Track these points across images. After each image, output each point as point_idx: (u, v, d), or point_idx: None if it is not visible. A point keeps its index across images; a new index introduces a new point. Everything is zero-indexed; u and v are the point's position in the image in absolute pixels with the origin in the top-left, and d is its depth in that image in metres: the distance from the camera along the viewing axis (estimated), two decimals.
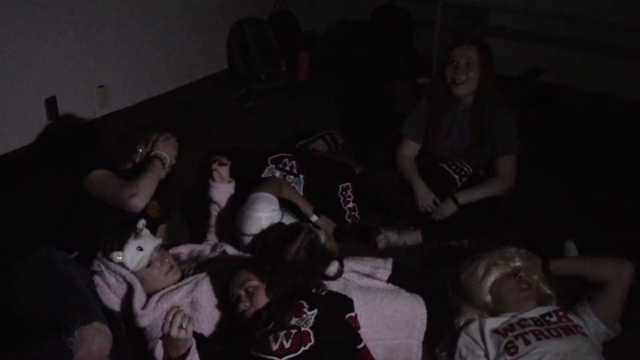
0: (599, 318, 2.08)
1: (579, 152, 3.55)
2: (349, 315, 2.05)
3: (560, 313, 2.11)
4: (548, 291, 2.21)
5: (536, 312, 2.11)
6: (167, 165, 2.53)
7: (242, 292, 2.08)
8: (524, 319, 2.09)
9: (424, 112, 2.88)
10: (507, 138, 2.77)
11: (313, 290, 2.07)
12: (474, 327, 2.15)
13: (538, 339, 1.99)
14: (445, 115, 2.84)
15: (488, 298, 2.18)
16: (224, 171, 2.66)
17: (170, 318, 1.75)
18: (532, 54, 4.50)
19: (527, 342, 1.99)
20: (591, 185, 3.23)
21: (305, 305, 1.96)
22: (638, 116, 3.84)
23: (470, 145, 2.83)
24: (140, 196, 2.34)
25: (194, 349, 1.83)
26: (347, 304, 2.07)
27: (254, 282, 2.08)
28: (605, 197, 3.13)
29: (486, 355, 2.06)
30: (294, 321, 1.89)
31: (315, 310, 1.93)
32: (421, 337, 2.18)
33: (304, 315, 1.91)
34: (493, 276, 2.18)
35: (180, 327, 1.75)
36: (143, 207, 2.37)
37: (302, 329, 1.86)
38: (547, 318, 2.09)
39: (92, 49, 3.74)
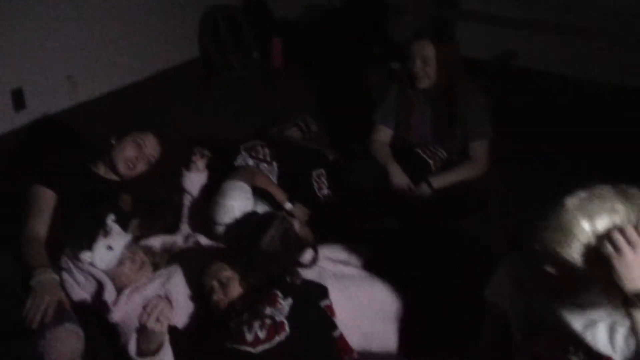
0: None
1: (554, 134, 3.55)
2: (324, 303, 2.03)
3: None
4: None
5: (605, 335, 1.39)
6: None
7: (215, 283, 2.04)
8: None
9: (395, 98, 2.88)
10: (478, 124, 2.77)
11: (287, 280, 2.05)
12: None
13: None
14: (416, 103, 2.84)
15: None
16: (202, 163, 2.62)
17: (149, 309, 1.73)
18: (505, 38, 4.50)
19: None
20: (567, 167, 3.24)
21: (280, 294, 1.94)
22: (611, 98, 3.86)
23: (441, 132, 2.83)
24: None
25: (167, 346, 1.80)
26: (322, 292, 2.06)
27: (228, 273, 2.05)
28: (584, 179, 3.13)
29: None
30: (268, 311, 1.87)
31: (290, 300, 1.92)
32: (397, 323, 2.17)
33: (279, 305, 1.90)
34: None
35: (157, 319, 1.72)
36: None
37: (277, 319, 1.85)
38: None
39: (59, 38, 3.66)
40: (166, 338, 1.82)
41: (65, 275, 2.16)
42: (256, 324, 1.82)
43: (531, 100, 3.81)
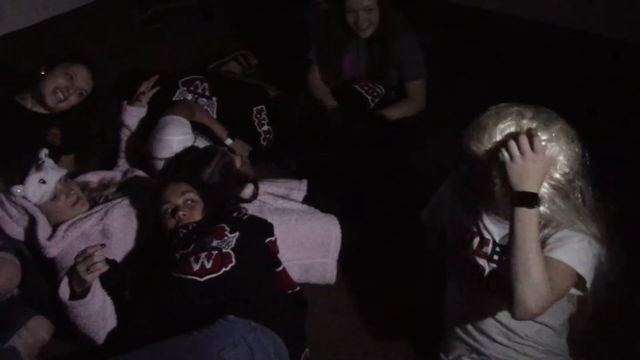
0: None
1: (488, 70, 3.59)
2: (269, 239, 2.08)
3: None
4: None
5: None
6: None
7: (181, 202, 2.04)
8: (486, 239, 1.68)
9: (326, 38, 2.84)
10: (413, 64, 2.79)
11: (235, 215, 2.07)
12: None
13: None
14: (348, 45, 2.82)
15: None
16: (148, 97, 2.59)
17: (82, 257, 1.74)
18: None
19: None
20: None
21: (227, 228, 1.96)
22: (531, 34, 3.92)
23: (376, 72, 2.85)
24: None
25: (93, 288, 1.80)
26: (267, 228, 2.10)
27: (194, 196, 2.06)
28: None
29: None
30: (215, 243, 1.90)
31: (237, 233, 1.95)
32: (336, 255, 2.23)
33: (226, 238, 1.93)
34: None
35: (88, 269, 1.73)
36: None
37: (224, 250, 1.87)
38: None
39: None
40: (96, 286, 1.82)
41: None
42: (203, 255, 1.84)
43: (467, 37, 3.84)
